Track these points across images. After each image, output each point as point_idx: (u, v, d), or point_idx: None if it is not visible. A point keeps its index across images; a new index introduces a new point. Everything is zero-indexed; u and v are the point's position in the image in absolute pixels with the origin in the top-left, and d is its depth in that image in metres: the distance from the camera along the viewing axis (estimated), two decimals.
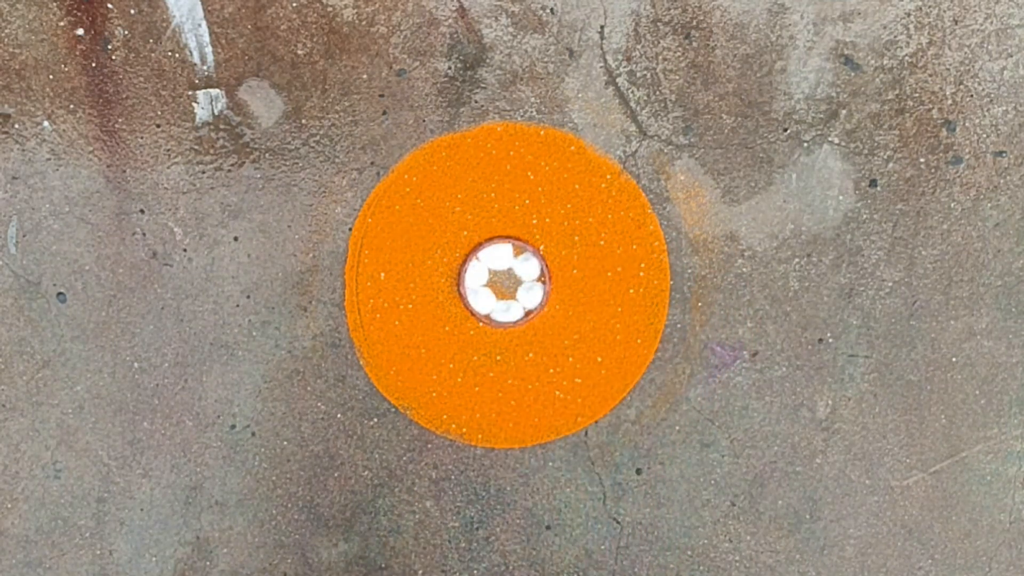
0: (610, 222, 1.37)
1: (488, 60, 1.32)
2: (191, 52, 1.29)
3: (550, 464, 1.43)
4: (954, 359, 1.44)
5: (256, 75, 1.30)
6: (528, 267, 1.38)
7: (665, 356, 1.41)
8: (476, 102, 1.33)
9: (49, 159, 1.31)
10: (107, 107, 1.30)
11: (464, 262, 1.37)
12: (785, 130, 1.36)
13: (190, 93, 1.30)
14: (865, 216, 1.39)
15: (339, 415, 1.41)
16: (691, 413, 1.43)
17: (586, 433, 1.41)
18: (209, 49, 1.29)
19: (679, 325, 1.40)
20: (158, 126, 1.31)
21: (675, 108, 1.34)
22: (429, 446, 1.42)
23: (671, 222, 1.38)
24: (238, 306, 1.37)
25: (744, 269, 1.40)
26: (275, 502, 1.43)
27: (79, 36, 1.28)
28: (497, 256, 1.38)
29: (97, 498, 1.42)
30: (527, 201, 1.36)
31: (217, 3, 1.28)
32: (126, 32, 1.28)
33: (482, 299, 1.39)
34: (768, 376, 1.43)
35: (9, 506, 1.41)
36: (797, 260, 1.40)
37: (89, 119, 1.31)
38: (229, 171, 1.33)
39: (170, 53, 1.29)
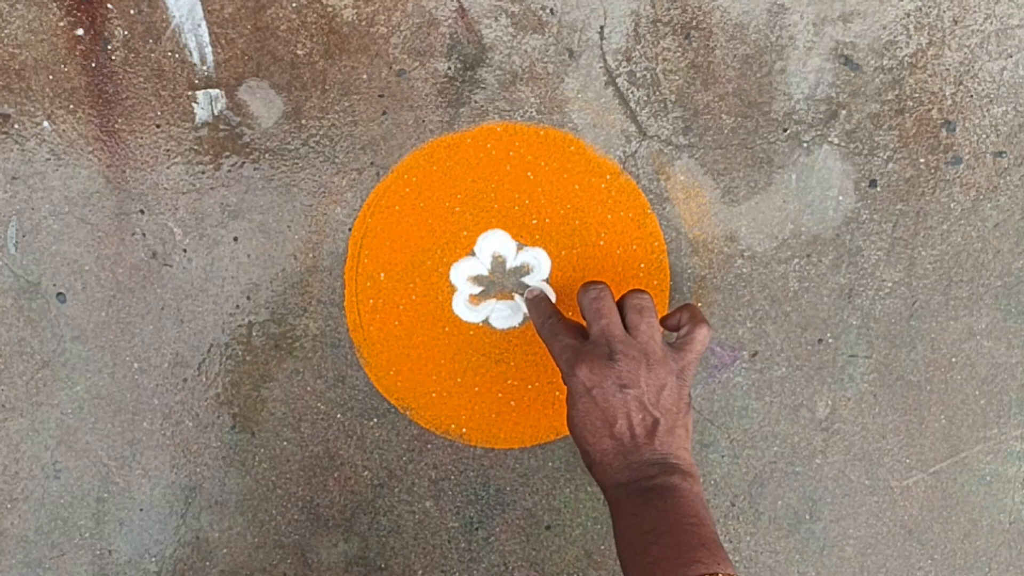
0: (610, 222, 1.37)
1: (488, 60, 1.32)
2: (191, 52, 1.29)
3: (550, 464, 1.43)
4: (954, 359, 1.44)
5: (256, 75, 1.30)
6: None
7: None
8: (476, 102, 1.33)
9: (49, 159, 1.31)
10: (107, 107, 1.30)
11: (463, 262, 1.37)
12: (785, 130, 1.36)
13: (190, 93, 1.30)
14: (865, 216, 1.39)
15: (339, 415, 1.41)
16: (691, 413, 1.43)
17: None
18: (209, 49, 1.29)
19: None
20: (158, 126, 1.31)
21: (675, 108, 1.34)
22: (429, 446, 1.42)
23: (671, 222, 1.38)
24: (238, 306, 1.37)
25: (744, 269, 1.40)
26: (275, 502, 1.43)
27: (79, 36, 1.28)
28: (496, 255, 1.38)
29: (97, 498, 1.42)
30: (527, 201, 1.36)
31: (217, 3, 1.28)
32: (126, 32, 1.28)
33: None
34: (768, 376, 1.43)
35: (8, 506, 1.41)
36: (797, 260, 1.40)
37: (89, 119, 1.31)
38: (229, 171, 1.33)
39: (170, 53, 1.29)
